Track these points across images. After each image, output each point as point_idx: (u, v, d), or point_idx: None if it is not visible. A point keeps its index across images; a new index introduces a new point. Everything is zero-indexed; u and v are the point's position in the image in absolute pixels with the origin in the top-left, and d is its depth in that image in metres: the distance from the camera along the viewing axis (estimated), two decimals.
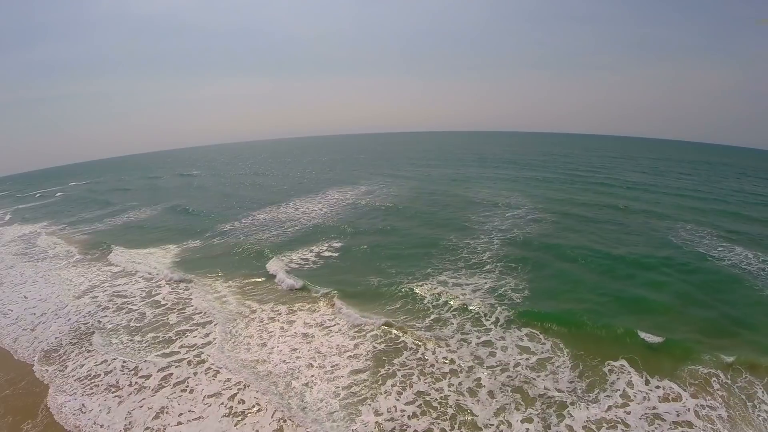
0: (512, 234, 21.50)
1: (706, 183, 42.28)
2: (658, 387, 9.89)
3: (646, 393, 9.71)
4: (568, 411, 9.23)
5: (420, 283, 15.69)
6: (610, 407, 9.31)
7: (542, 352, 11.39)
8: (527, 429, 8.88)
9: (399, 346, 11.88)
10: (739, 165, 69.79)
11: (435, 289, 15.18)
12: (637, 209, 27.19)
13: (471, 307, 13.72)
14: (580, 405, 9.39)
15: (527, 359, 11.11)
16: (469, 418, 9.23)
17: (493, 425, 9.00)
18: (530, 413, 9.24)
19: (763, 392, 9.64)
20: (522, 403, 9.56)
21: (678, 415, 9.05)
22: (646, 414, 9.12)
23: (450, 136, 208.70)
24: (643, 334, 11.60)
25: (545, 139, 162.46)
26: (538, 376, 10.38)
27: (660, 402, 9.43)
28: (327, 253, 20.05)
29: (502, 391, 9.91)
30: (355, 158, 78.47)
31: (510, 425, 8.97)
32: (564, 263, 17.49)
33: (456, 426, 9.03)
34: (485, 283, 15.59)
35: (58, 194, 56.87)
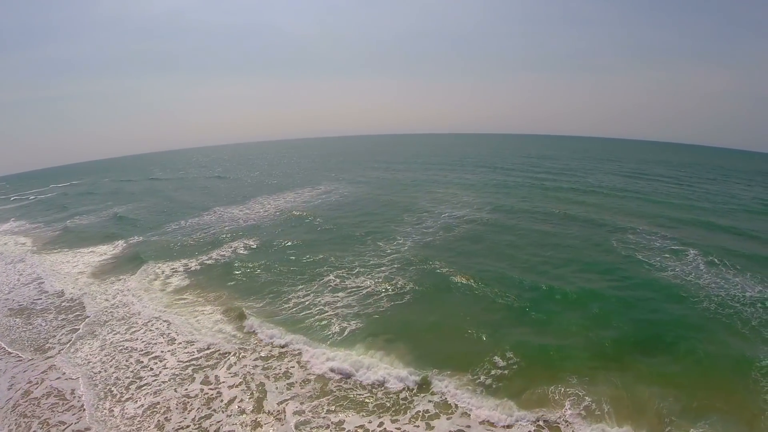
0: (424, 248, 20.64)
1: (682, 186, 40.72)
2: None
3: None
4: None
5: (300, 286, 17.28)
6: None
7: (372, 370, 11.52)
8: (298, 419, 9.86)
9: (251, 331, 14.15)
10: (730, 166, 68.15)
11: (307, 294, 16.54)
12: (592, 218, 25.19)
13: (329, 315, 14.67)
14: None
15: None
16: (254, 402, 10.60)
17: (272, 411, 10.21)
18: (302, 408, 10.19)
19: None
20: (309, 398, 10.56)
21: None
22: None
23: (444, 138, 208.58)
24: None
25: (537, 141, 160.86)
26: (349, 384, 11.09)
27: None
28: (241, 251, 22.76)
29: (278, 389, 11.02)
30: (327, 160, 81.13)
31: (284, 415, 10.04)
32: (460, 293, 15.86)
33: (250, 401, 10.63)
34: (363, 292, 16.15)
35: (32, 198, 62.18)
